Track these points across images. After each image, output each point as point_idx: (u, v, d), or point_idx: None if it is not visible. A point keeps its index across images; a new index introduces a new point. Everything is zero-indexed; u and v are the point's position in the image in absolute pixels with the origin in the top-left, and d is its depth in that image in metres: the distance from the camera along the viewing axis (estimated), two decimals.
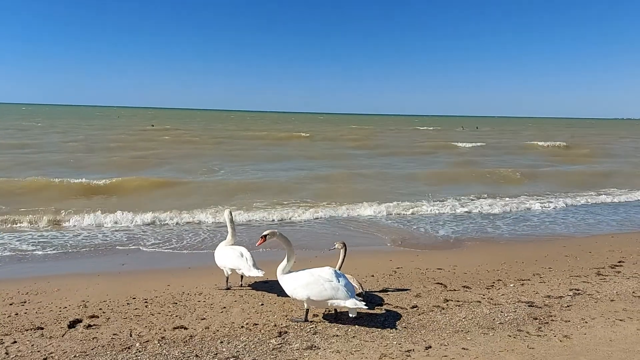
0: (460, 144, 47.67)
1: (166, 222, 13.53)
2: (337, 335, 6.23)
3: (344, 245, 7.57)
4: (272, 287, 8.13)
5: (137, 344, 5.96)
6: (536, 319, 6.85)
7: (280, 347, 5.88)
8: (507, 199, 18.27)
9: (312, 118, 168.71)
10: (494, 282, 8.61)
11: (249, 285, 8.28)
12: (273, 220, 14.29)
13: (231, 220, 8.27)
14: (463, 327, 6.55)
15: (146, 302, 7.46)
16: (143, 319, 6.81)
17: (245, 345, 5.94)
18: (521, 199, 18.33)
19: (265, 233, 6.84)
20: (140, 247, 11.06)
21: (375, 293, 7.90)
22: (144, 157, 29.01)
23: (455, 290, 8.16)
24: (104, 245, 11.25)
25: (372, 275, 8.87)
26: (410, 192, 18.97)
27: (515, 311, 7.15)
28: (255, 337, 6.19)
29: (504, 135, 72.58)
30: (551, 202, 17.92)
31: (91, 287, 8.15)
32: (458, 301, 7.57)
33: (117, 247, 11.05)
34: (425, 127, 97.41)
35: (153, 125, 66.69)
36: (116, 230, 12.52)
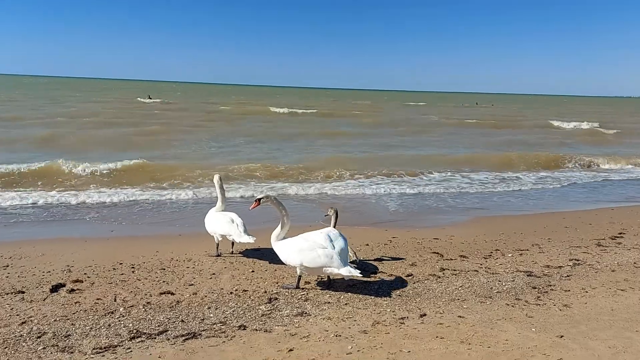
0: (474, 121, 46.29)
1: (159, 194, 13.22)
2: (329, 303, 6.01)
3: (336, 211, 7.29)
4: (263, 254, 7.90)
5: (121, 309, 5.73)
6: (535, 288, 6.65)
7: (269, 314, 5.66)
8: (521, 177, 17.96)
9: (298, 92, 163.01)
10: (491, 252, 8.40)
11: (240, 252, 8.04)
12: (279, 195, 14.01)
13: (221, 186, 7.99)
14: (459, 295, 6.34)
15: (133, 267, 7.22)
16: (129, 284, 6.57)
17: (233, 311, 5.71)
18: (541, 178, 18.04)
19: (259, 196, 6.57)
20: (131, 216, 10.79)
21: (370, 262, 7.68)
22: (141, 134, 28.50)
23: (451, 259, 7.94)
24: (94, 212, 10.98)
25: (367, 244, 8.63)
26: (421, 167, 18.62)
27: (514, 280, 6.94)
28: (245, 303, 5.97)
29: (522, 113, 65.86)
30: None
31: (77, 252, 7.90)
32: (455, 270, 7.36)
33: (107, 216, 10.78)
34: (422, 103, 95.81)
35: (150, 97, 65.65)
36: (107, 201, 12.22)
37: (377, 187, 14.77)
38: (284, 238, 6.56)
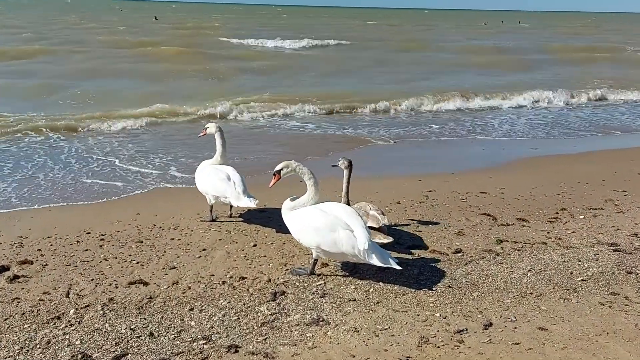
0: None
1: (155, 127, 11.56)
2: (355, 300, 4.40)
3: (350, 163, 5.48)
4: (270, 217, 6.29)
5: (72, 311, 4.21)
6: (630, 273, 4.95)
7: (273, 321, 4.09)
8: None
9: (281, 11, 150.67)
10: (557, 213, 6.65)
11: (239, 216, 6.43)
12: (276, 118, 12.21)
13: (221, 136, 6.23)
14: (532, 286, 4.67)
15: (103, 239, 5.67)
16: (92, 266, 5.04)
17: (224, 316, 4.15)
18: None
19: (278, 167, 4.80)
20: (115, 162, 9.14)
21: (404, 229, 6.02)
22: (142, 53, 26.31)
23: (508, 224, 6.23)
24: (75, 158, 9.36)
25: (399, 202, 6.93)
26: None
27: (598, 259, 5.24)
28: (240, 301, 4.40)
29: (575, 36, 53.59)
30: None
31: (39, 216, 6.38)
32: (515, 242, 5.66)
33: (85, 161, 9.17)
34: (439, 23, 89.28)
35: (156, 18, 62.20)
36: (89, 138, 10.59)
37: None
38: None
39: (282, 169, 4.82)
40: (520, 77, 21.25)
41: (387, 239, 4.89)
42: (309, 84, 18.71)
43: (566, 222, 6.32)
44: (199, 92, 15.54)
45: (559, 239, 5.79)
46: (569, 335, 3.86)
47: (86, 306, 4.30)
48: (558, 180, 8.08)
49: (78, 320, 4.09)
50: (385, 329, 3.95)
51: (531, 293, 4.54)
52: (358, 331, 3.93)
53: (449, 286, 4.65)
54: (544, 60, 28.66)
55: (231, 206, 6.21)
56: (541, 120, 13.95)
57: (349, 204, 5.31)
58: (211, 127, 6.34)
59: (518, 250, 5.47)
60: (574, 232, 6.00)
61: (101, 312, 4.21)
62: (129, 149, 9.80)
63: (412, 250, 5.42)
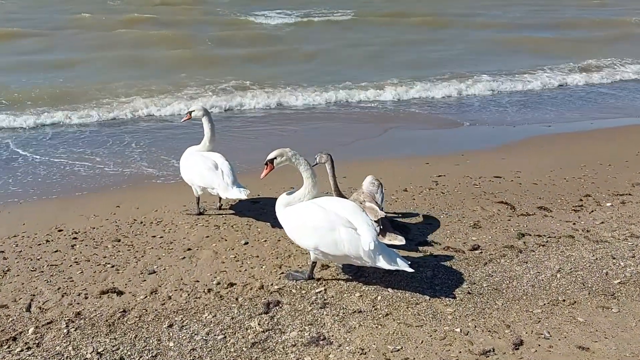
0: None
1: (140, 116, 10.79)
2: (361, 312, 3.80)
3: (330, 158, 4.85)
4: (264, 210, 5.66)
5: (31, 330, 3.61)
6: None
7: (265, 340, 3.49)
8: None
9: None
10: (581, 200, 6.02)
11: (230, 207, 5.79)
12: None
13: (209, 120, 5.55)
14: (563, 291, 4.07)
15: (75, 237, 5.05)
16: (60, 271, 4.43)
17: (208, 335, 3.55)
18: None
19: (271, 156, 4.15)
20: (96, 151, 8.43)
21: (413, 221, 5.39)
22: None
23: (528, 214, 5.61)
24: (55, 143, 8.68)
25: (405, 190, 6.29)
26: None
27: (634, 256, 4.64)
28: (228, 314, 3.79)
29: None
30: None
31: (6, 211, 5.74)
32: (539, 236, 5.04)
33: (61, 152, 8.49)
34: None
35: None
36: (67, 129, 9.87)
37: None
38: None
39: (275, 158, 4.18)
40: (538, 57, 19.88)
41: (398, 240, 4.26)
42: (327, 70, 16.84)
43: (592, 211, 5.69)
44: (198, 79, 14.40)
45: (587, 231, 5.17)
46: (616, 357, 3.27)
47: (48, 323, 3.70)
48: (577, 161, 7.43)
49: (37, 342, 3.49)
50: (398, 350, 3.36)
51: (564, 300, 3.94)
52: (365, 353, 3.34)
53: (469, 292, 4.05)
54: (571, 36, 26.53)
55: (220, 197, 5.58)
56: (549, 99, 13.19)
57: (342, 197, 4.70)
58: (197, 111, 5.64)
59: (543, 245, 4.85)
60: (602, 222, 5.38)
61: (65, 330, 3.61)
62: (110, 139, 9.00)
63: (424, 248, 4.81)
